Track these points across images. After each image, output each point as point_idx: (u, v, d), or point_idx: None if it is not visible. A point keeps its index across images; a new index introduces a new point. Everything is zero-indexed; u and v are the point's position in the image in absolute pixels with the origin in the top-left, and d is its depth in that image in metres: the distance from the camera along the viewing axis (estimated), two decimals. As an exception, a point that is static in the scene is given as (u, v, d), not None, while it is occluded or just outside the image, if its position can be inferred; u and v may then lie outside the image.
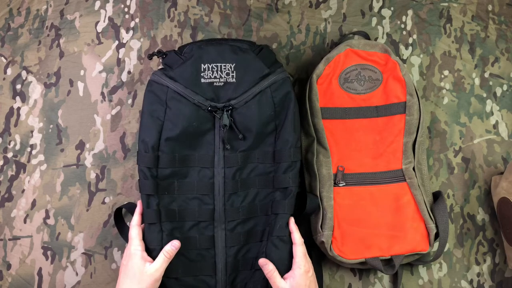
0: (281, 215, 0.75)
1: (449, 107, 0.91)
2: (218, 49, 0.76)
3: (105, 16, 0.91)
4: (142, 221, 0.75)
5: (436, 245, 0.82)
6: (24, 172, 0.87)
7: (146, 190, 0.74)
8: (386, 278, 0.85)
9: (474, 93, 0.91)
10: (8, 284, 0.84)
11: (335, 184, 0.81)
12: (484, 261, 0.87)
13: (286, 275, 0.72)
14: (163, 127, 0.75)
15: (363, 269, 0.85)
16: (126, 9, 0.91)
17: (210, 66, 0.75)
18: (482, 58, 0.93)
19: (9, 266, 0.84)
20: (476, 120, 0.91)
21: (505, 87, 0.92)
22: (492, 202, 0.87)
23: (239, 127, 0.76)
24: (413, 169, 0.82)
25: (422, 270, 0.86)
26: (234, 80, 0.75)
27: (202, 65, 0.75)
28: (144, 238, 0.74)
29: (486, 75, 0.92)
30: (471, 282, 0.86)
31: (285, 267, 0.73)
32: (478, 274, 0.86)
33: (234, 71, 0.76)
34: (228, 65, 0.75)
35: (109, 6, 0.91)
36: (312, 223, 0.81)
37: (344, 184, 0.81)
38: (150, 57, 0.79)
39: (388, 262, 0.80)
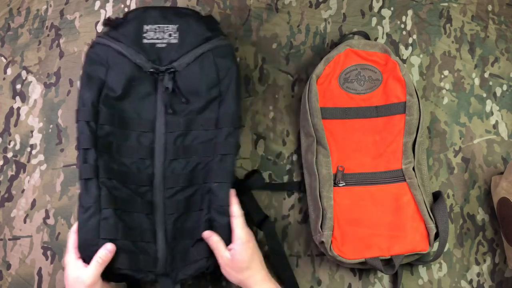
0: (221, 184, 0.74)
1: (449, 107, 0.91)
2: (161, 12, 0.76)
3: (105, 16, 0.91)
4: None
5: (436, 245, 0.82)
6: (24, 172, 0.87)
7: (84, 144, 0.72)
8: (386, 278, 0.85)
9: (474, 93, 0.91)
10: (8, 284, 0.84)
11: (335, 184, 0.81)
12: (484, 261, 0.87)
13: (228, 247, 0.72)
14: (104, 86, 0.74)
15: (363, 269, 0.85)
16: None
17: (153, 27, 0.75)
18: (482, 58, 0.92)
19: (9, 266, 0.84)
20: (476, 120, 0.91)
21: (505, 87, 0.92)
22: (492, 202, 0.87)
23: (182, 91, 0.76)
24: (413, 169, 0.82)
25: (422, 270, 0.86)
26: (176, 41, 0.75)
27: (145, 26, 0.75)
28: (79, 198, 0.72)
29: (486, 75, 0.92)
30: (471, 282, 0.86)
31: (226, 237, 0.73)
32: (478, 274, 0.86)
33: (177, 32, 0.75)
34: (171, 26, 0.76)
35: (109, 6, 0.91)
36: (312, 223, 0.81)
37: (344, 184, 0.81)
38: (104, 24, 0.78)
39: (388, 262, 0.80)
